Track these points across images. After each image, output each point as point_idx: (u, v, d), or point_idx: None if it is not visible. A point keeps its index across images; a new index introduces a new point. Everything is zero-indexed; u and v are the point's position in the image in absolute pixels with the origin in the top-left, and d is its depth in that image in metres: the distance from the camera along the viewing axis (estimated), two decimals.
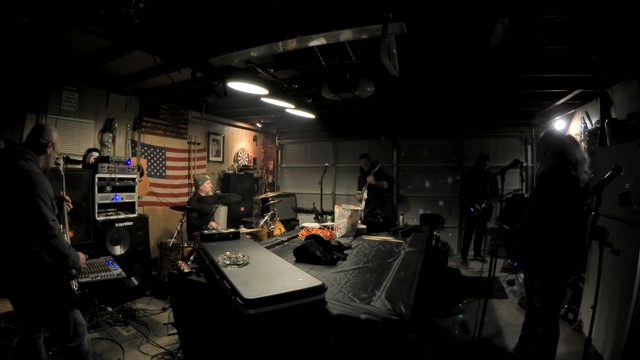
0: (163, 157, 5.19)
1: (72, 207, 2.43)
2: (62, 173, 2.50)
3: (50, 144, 2.07)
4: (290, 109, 4.60)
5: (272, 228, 5.44)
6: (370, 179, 5.83)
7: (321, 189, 5.25)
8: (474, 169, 5.69)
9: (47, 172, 2.10)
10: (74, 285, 2.03)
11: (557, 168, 2.25)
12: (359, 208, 3.84)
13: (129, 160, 4.04)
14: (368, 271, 2.34)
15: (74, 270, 2.05)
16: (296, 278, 1.68)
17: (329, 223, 4.05)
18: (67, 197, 2.37)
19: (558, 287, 2.22)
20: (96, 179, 3.61)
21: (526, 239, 2.33)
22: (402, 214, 5.18)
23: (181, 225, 4.07)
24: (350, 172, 7.40)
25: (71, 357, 2.06)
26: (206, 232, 2.62)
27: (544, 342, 2.30)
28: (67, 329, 2.02)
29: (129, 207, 3.96)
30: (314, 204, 5.93)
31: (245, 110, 5.95)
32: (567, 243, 2.14)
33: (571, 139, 2.48)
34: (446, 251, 5.08)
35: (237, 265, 1.89)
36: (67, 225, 2.33)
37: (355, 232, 3.61)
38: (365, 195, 5.76)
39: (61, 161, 2.52)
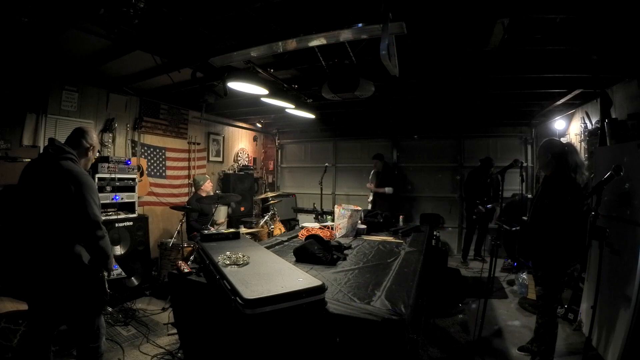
0: (163, 157, 5.19)
1: None
2: None
3: (92, 147, 2.10)
4: (290, 109, 4.60)
5: (272, 228, 5.44)
6: (370, 185, 5.84)
7: (321, 189, 5.25)
8: (477, 171, 5.63)
9: None
10: (107, 287, 2.07)
11: (559, 172, 2.51)
12: (359, 208, 3.84)
13: (129, 160, 4.04)
14: (368, 271, 2.34)
15: (105, 273, 2.06)
16: (296, 278, 1.68)
17: (329, 223, 4.05)
18: None
19: (558, 276, 2.46)
20: (96, 179, 3.61)
21: (532, 233, 2.57)
22: (402, 214, 5.17)
23: (181, 225, 4.07)
24: (351, 172, 7.42)
25: (87, 358, 2.05)
26: (206, 232, 2.62)
27: (544, 332, 2.48)
28: (92, 329, 2.02)
29: (129, 207, 3.96)
30: (314, 204, 5.93)
31: (245, 110, 5.95)
32: (568, 237, 2.38)
33: (570, 145, 2.70)
34: (446, 251, 5.08)
35: (237, 265, 1.89)
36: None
37: (355, 232, 3.61)
38: (370, 198, 5.79)
39: None
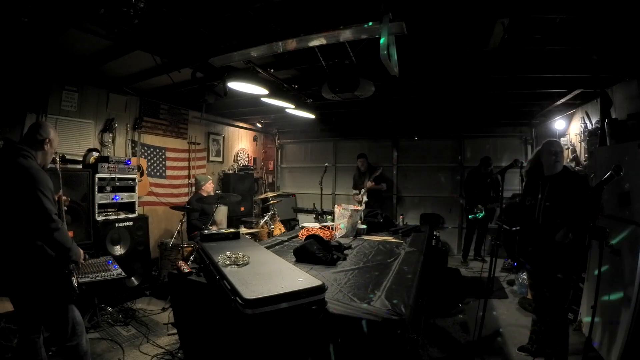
0: (163, 157, 5.19)
1: (67, 206, 2.45)
2: (59, 172, 2.50)
3: (47, 140, 2.08)
4: (290, 109, 4.60)
5: (272, 228, 5.43)
6: (369, 184, 5.84)
7: (321, 189, 5.25)
8: (476, 172, 5.63)
9: (45, 168, 2.11)
10: (74, 282, 2.05)
11: (570, 170, 2.52)
12: (359, 208, 3.84)
13: (129, 160, 4.04)
14: (368, 271, 2.34)
15: (72, 267, 2.06)
16: (296, 278, 1.68)
17: (329, 223, 4.05)
18: (64, 197, 2.38)
19: (575, 278, 2.47)
20: (96, 179, 3.61)
21: (550, 235, 2.46)
22: (402, 214, 5.18)
23: (181, 225, 4.07)
24: (351, 172, 7.37)
25: (69, 357, 2.06)
26: (206, 232, 2.62)
27: (560, 335, 2.46)
28: (66, 328, 2.03)
29: (129, 207, 3.96)
30: (314, 204, 5.92)
31: (245, 110, 5.95)
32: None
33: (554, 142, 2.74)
34: (446, 251, 5.08)
35: (237, 265, 1.89)
36: (65, 224, 2.33)
37: (355, 232, 3.61)
38: (365, 198, 5.79)
39: (57, 159, 2.53)
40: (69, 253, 1.99)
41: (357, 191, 5.96)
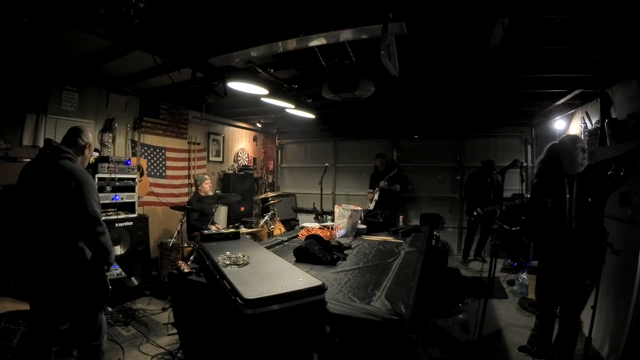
0: (163, 157, 5.19)
1: None
2: None
3: (88, 145, 2.12)
4: (290, 109, 4.60)
5: (272, 228, 5.43)
6: (383, 183, 5.86)
7: (321, 189, 5.25)
8: (478, 174, 5.61)
9: None
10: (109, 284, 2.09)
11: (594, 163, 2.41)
12: (359, 208, 3.84)
13: (129, 160, 4.04)
14: (368, 271, 2.34)
15: (105, 268, 2.09)
16: (296, 278, 1.68)
17: (329, 223, 4.05)
18: None
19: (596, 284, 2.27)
20: (96, 179, 3.60)
21: (587, 235, 2.31)
22: (402, 215, 5.17)
23: (181, 225, 4.07)
24: (351, 172, 7.42)
25: (89, 356, 2.07)
26: (206, 232, 2.62)
27: (568, 340, 2.42)
28: (94, 326, 2.04)
29: (129, 207, 3.96)
30: (314, 204, 5.93)
31: (245, 110, 5.95)
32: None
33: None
34: (446, 251, 5.07)
35: (237, 265, 1.89)
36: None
37: (355, 232, 3.61)
38: (376, 197, 5.81)
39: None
40: (108, 256, 2.01)
41: (371, 190, 6.04)
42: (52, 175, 1.90)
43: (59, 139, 2.18)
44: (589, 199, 2.29)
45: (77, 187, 1.88)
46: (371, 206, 5.77)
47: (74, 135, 2.09)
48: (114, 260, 2.12)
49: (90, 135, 2.16)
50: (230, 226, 4.93)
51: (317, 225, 3.98)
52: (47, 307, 1.96)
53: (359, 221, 3.77)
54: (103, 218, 2.06)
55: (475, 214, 5.42)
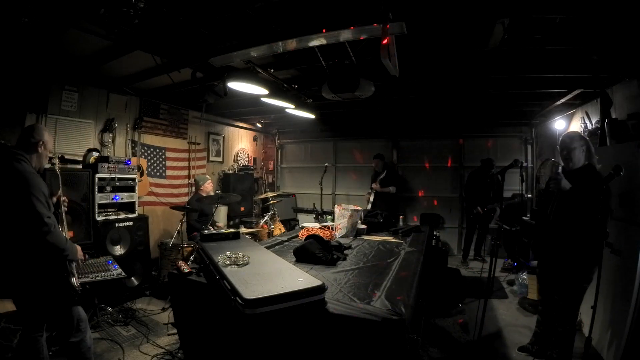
0: (163, 157, 5.18)
1: (67, 207, 2.44)
2: (58, 172, 2.50)
3: (40, 142, 2.07)
4: (290, 109, 4.60)
5: (272, 228, 5.44)
6: (375, 185, 5.85)
7: (321, 189, 5.25)
8: (478, 172, 5.62)
9: (41, 171, 2.12)
10: (75, 281, 2.05)
11: (591, 167, 2.42)
12: (359, 208, 3.84)
13: (129, 160, 4.04)
14: (368, 271, 2.34)
15: (74, 267, 2.07)
16: (296, 278, 1.68)
17: (329, 223, 4.05)
18: (64, 197, 2.37)
19: (586, 286, 2.37)
20: (96, 179, 3.60)
21: (561, 233, 2.38)
22: (401, 215, 5.17)
23: (181, 225, 4.07)
24: (351, 172, 7.42)
25: (73, 353, 2.08)
26: (206, 232, 2.62)
27: (566, 340, 2.43)
28: (70, 325, 2.05)
29: (129, 207, 3.96)
30: (314, 204, 5.93)
31: (245, 110, 5.95)
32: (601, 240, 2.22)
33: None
34: (446, 251, 5.07)
35: (237, 265, 1.89)
36: (65, 224, 2.33)
37: (355, 232, 3.61)
38: (371, 199, 5.80)
39: (56, 160, 2.52)
40: (63, 253, 1.99)
41: (369, 191, 6.05)
42: (2, 178, 1.92)
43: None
44: (574, 197, 2.33)
45: (21, 187, 1.88)
46: (369, 207, 5.78)
47: (26, 135, 2.07)
48: (76, 255, 2.08)
49: (45, 133, 2.11)
50: (231, 222, 4.93)
51: (317, 225, 3.98)
52: (18, 306, 2.01)
53: (359, 221, 3.76)
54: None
55: (475, 212, 5.43)
